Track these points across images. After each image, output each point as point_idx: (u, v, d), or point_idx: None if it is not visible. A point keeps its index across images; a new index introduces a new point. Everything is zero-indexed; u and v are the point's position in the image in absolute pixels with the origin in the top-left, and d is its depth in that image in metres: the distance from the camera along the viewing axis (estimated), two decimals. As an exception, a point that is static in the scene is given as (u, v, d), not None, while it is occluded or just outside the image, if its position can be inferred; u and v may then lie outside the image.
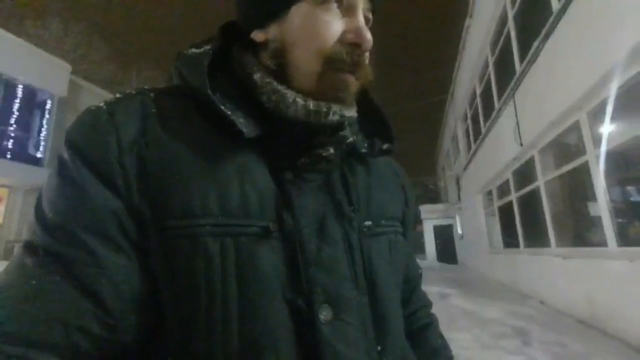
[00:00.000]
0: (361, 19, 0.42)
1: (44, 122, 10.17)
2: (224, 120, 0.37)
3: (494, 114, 6.99)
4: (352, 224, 0.42)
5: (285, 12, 0.41)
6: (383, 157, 0.54)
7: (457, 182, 12.65)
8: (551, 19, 4.20)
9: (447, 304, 5.10)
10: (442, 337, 0.62)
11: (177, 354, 0.35)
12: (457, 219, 13.88)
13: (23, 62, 9.38)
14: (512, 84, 5.73)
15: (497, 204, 7.91)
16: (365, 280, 0.42)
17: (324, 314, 0.37)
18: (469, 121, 9.87)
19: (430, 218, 15.90)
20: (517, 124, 5.53)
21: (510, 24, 5.88)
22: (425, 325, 0.60)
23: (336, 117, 0.41)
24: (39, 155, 9.93)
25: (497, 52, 6.86)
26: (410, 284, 0.60)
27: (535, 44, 4.68)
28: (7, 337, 0.29)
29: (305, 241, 0.38)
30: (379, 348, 0.41)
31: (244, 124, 0.38)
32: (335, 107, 0.41)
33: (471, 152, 9.66)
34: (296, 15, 0.41)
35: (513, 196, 6.60)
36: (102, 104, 0.39)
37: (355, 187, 0.46)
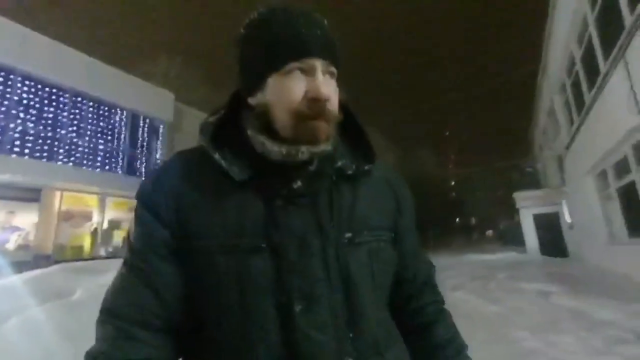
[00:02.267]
0: (319, 78, 0.53)
1: (159, 143, 12.33)
2: (223, 169, 0.54)
3: (599, 79, 5.87)
4: (329, 238, 0.54)
5: (263, 84, 0.55)
6: (380, 169, 0.66)
7: (560, 163, 10.91)
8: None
9: (548, 302, 4.50)
10: (452, 330, 0.68)
11: (203, 337, 0.54)
12: (564, 205, 11.95)
13: (140, 96, 11.50)
14: (621, 41, 4.75)
15: (614, 185, 6.62)
16: (341, 281, 0.54)
17: (299, 307, 0.50)
18: (569, 91, 8.43)
19: (528, 206, 13.99)
20: (632, 88, 4.57)
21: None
22: (432, 320, 0.67)
23: (305, 156, 0.53)
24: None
25: (597, 6, 5.74)
26: (416, 281, 0.68)
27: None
28: (110, 313, 0.53)
29: (287, 253, 0.52)
30: (350, 334, 0.53)
31: (236, 171, 0.54)
32: (303, 148, 0.53)
33: (574, 127, 8.24)
34: (271, 85, 0.54)
35: (635, 175, 5.45)
36: (157, 168, 0.60)
37: (338, 206, 0.57)
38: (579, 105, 7.63)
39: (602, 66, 5.73)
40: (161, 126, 12.37)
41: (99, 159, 10.46)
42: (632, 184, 5.60)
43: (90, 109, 10.34)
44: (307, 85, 0.52)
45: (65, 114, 9.55)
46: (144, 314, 0.52)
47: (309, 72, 0.53)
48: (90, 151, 10.25)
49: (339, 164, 0.59)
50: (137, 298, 0.53)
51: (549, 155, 12.87)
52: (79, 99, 9.98)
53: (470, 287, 6.09)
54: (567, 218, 11.79)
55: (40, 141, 8.84)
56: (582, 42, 6.85)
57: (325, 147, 0.55)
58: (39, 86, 8.98)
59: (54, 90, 9.32)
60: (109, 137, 10.82)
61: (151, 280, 0.53)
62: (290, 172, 0.55)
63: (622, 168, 6.09)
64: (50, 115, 9.22)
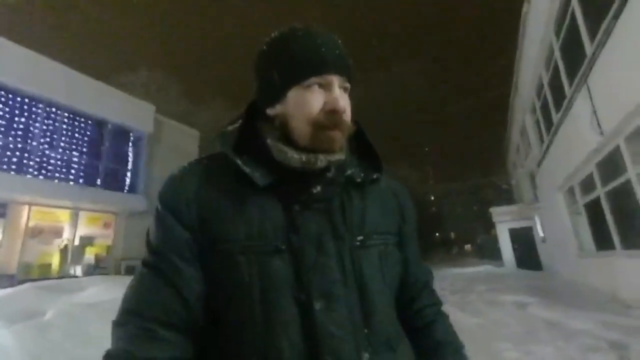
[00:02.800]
0: (336, 92, 0.58)
1: (138, 156, 11.90)
2: (246, 175, 0.57)
3: (565, 102, 6.32)
4: (344, 240, 0.59)
5: (284, 96, 0.59)
6: (385, 181, 0.71)
7: (532, 180, 11.47)
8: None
9: (525, 314, 4.64)
10: (450, 330, 0.73)
11: (225, 338, 0.55)
12: (537, 220, 12.50)
13: (120, 108, 11.18)
14: (583, 67, 5.17)
15: (582, 201, 7.02)
16: (355, 281, 0.58)
17: (319, 305, 0.54)
18: (539, 112, 8.99)
19: (504, 221, 14.54)
20: (594, 111, 4.94)
21: (575, 2, 5.35)
22: (431, 321, 0.72)
23: (323, 164, 0.57)
24: (134, 184, 11.65)
25: (562, 35, 6.24)
26: (417, 285, 0.73)
27: (607, 20, 4.20)
28: (132, 313, 0.54)
29: (306, 254, 0.55)
30: (366, 331, 0.57)
31: (259, 177, 0.57)
32: (321, 156, 0.57)
33: (544, 145, 8.75)
34: (291, 97, 0.58)
35: (600, 191, 5.82)
36: (177, 171, 0.62)
37: (350, 211, 0.62)
38: (548, 125, 8.14)
39: (567, 90, 6.18)
40: (142, 138, 12.03)
41: (73, 171, 10.04)
42: (598, 200, 5.97)
43: (66, 120, 9.98)
44: (326, 98, 0.57)
45: (37, 124, 9.17)
46: (167, 313, 0.53)
47: (326, 87, 0.57)
48: (64, 164, 9.83)
49: (349, 172, 0.64)
50: (160, 298, 0.54)
51: (522, 172, 13.50)
52: (54, 109, 9.63)
53: (452, 300, 6.19)
54: (540, 232, 12.31)
55: (9, 153, 8.42)
56: (549, 67, 7.38)
57: (340, 156, 0.59)
58: (11, 96, 8.63)
59: (26, 101, 8.97)
60: (85, 150, 10.43)
61: (173, 280, 0.54)
62: (309, 179, 0.58)
63: (588, 185, 6.49)
64: (21, 126, 8.83)
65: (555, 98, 7.21)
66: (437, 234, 46.25)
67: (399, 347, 0.62)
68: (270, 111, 0.61)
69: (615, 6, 4.00)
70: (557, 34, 6.46)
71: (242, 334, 0.53)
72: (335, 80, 0.58)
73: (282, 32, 0.61)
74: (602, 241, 6.24)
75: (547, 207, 10.01)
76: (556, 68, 6.78)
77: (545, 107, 8.18)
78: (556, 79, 6.85)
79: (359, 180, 0.64)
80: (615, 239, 5.52)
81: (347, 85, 0.60)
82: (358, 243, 0.60)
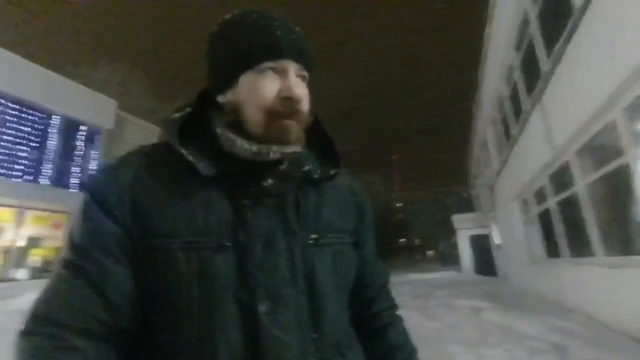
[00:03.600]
0: (292, 79, 0.53)
1: (94, 153, 11.16)
2: (190, 164, 0.51)
3: (522, 116, 6.69)
4: (296, 238, 0.54)
5: (235, 82, 0.54)
6: (344, 179, 0.68)
7: (490, 190, 12.07)
8: (575, 14, 4.02)
9: (479, 318, 4.81)
10: (404, 334, 0.71)
11: (156, 343, 0.49)
12: (493, 228, 13.16)
13: (76, 101, 10.43)
14: (538, 84, 5.49)
15: (535, 211, 7.44)
16: (305, 281, 0.53)
17: (263, 307, 0.49)
18: (498, 126, 9.49)
19: (464, 228, 15.19)
20: (548, 126, 5.25)
21: (533, 24, 5.68)
22: (386, 324, 0.70)
23: (276, 155, 0.53)
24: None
25: (522, 53, 6.62)
26: (373, 287, 0.71)
27: (561, 41, 4.48)
28: (43, 320, 0.46)
29: (253, 252, 0.50)
30: (314, 335, 0.52)
31: (203, 167, 0.51)
32: (275, 147, 0.52)
33: (502, 158, 9.23)
34: (243, 83, 0.54)
35: (551, 203, 6.19)
36: (112, 161, 0.56)
37: (304, 208, 0.57)
38: (507, 137, 8.59)
39: (525, 104, 6.55)
40: (97, 133, 11.27)
41: (20, 167, 9.14)
42: (548, 211, 6.34)
43: (12, 111, 9.11)
44: (281, 85, 0.53)
45: None
46: (85, 319, 0.47)
47: (281, 73, 0.53)
48: (9, 158, 8.93)
49: (306, 167, 0.60)
50: (78, 301, 0.47)
51: (481, 182, 14.19)
52: None
53: (412, 305, 6.30)
54: (495, 240, 12.97)
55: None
56: (509, 82, 7.80)
57: (295, 148, 0.55)
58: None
59: None
60: (34, 144, 9.55)
61: (96, 281, 0.48)
62: (260, 171, 0.54)
63: (542, 196, 6.89)
64: None
65: (514, 111, 7.62)
66: (401, 240, 47.57)
67: (349, 352, 0.58)
68: (221, 98, 0.57)
69: (567, 28, 4.27)
70: (517, 50, 6.84)
71: (175, 339, 0.48)
72: (292, 67, 0.54)
73: (236, 13, 0.57)
74: (552, 249, 6.64)
75: (504, 215, 10.55)
76: (515, 84, 7.17)
77: (504, 120, 8.64)
78: (515, 94, 7.25)
79: (316, 176, 0.60)
80: (563, 247, 5.88)
81: (305, 73, 0.56)
82: (311, 241, 0.56)
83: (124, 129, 12.19)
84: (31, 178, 9.36)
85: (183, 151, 0.52)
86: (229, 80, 0.55)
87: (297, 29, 0.57)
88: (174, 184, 0.52)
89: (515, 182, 8.14)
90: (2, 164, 8.78)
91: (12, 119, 9.16)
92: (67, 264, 0.49)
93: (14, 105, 9.20)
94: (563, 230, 5.93)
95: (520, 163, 7.35)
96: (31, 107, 9.51)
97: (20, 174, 9.14)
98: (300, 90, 0.54)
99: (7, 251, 8.90)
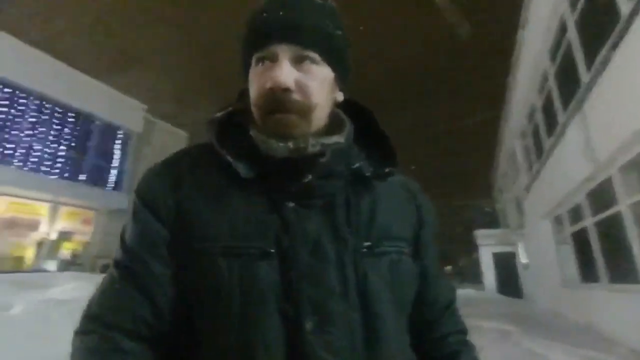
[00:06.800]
0: (280, 66, 0.47)
1: (125, 154, 11.80)
2: (230, 166, 0.49)
3: (558, 128, 6.29)
4: (347, 244, 0.48)
5: (248, 77, 0.52)
6: (398, 178, 0.59)
7: (518, 205, 11.49)
8: (621, 22, 3.71)
9: (507, 343, 4.44)
10: None
11: (193, 352, 0.46)
12: (520, 246, 12.48)
13: (112, 106, 11.04)
14: (578, 94, 5.13)
15: (569, 230, 6.95)
16: (358, 296, 0.47)
17: (310, 324, 0.44)
18: (529, 137, 9.02)
19: (487, 244, 14.52)
20: (588, 140, 4.88)
21: (571, 32, 5.35)
22: (454, 352, 0.59)
23: (317, 148, 0.49)
24: (119, 181, 11.45)
25: (557, 63, 6.26)
26: (437, 305, 0.60)
27: (605, 49, 4.16)
28: (94, 320, 0.46)
29: (298, 259, 0.46)
30: None
31: (243, 168, 0.49)
32: (312, 140, 0.48)
33: (533, 172, 8.74)
34: (250, 77, 0.51)
35: (589, 222, 5.73)
36: (158, 163, 0.55)
37: (356, 210, 0.51)
38: (538, 151, 8.14)
39: (561, 116, 6.16)
40: (130, 137, 11.84)
41: (59, 165, 9.71)
42: (586, 230, 5.88)
43: (56, 114, 9.73)
44: (267, 75, 0.48)
45: (25, 116, 8.91)
46: (135, 322, 0.46)
47: (272, 61, 0.48)
48: (49, 157, 9.51)
49: (357, 165, 0.54)
50: (128, 304, 0.47)
51: (508, 197, 13.57)
52: (43, 102, 9.38)
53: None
54: (522, 259, 12.28)
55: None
56: (542, 92, 7.40)
57: (337, 139, 0.51)
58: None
59: (10, 91, 8.65)
60: (73, 144, 10.19)
61: (145, 284, 0.47)
62: (298, 167, 0.49)
63: (578, 214, 6.42)
64: (10, 117, 8.54)
65: (548, 123, 7.21)
66: (419, 253, 46.46)
67: None
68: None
69: (614, 35, 3.96)
70: (552, 60, 6.48)
71: (216, 355, 0.45)
72: (282, 51, 0.47)
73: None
74: (587, 273, 6.14)
75: (533, 233, 9.97)
76: (550, 94, 6.78)
77: (536, 133, 8.20)
78: (549, 104, 6.86)
79: (368, 174, 0.53)
80: (601, 271, 5.41)
81: (309, 53, 0.48)
82: (365, 249, 0.50)
83: (150, 132, 12.71)
84: (68, 175, 9.88)
85: (223, 152, 0.50)
86: (245, 78, 0.53)
87: (296, 2, 0.48)
88: (216, 186, 0.50)
89: (547, 198, 7.66)
90: (43, 162, 9.28)
91: (56, 120, 9.78)
92: (118, 265, 0.50)
93: (56, 109, 9.77)
94: (601, 253, 5.46)
95: (554, 178, 6.91)
96: (71, 109, 10.04)
97: (59, 171, 9.65)
98: (286, 76, 0.46)
99: (40, 243, 9.33)
